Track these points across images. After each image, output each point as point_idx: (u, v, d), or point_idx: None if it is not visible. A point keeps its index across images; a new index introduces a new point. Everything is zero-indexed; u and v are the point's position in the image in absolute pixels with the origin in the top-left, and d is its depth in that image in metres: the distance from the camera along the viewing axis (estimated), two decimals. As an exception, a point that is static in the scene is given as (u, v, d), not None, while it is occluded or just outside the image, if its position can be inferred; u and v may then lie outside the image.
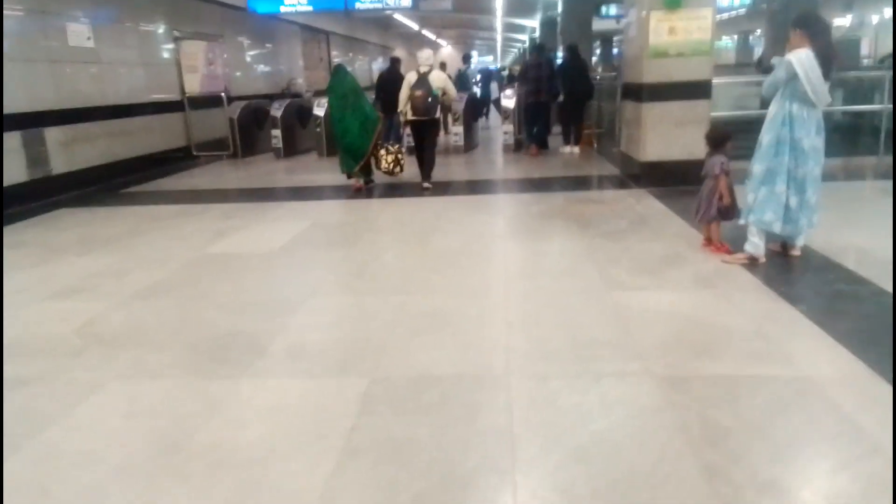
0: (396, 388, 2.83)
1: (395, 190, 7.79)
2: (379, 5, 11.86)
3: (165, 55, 10.89)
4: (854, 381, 2.71)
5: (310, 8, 11.95)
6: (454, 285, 4.23)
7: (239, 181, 9.31)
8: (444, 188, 7.79)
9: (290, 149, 11.36)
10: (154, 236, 5.90)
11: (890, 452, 2.21)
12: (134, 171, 9.51)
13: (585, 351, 3.12)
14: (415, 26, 28.89)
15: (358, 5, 11.78)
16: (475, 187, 7.98)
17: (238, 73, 13.61)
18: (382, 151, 7.65)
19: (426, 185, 7.68)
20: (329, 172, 9.05)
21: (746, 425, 2.41)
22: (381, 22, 26.61)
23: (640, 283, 4.10)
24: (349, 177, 7.74)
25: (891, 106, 7.20)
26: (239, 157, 11.34)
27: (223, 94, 11.68)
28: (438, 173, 8.15)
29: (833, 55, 4.11)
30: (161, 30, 10.77)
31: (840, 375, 2.77)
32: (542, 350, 3.17)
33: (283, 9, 11.91)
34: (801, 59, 3.98)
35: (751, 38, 32.41)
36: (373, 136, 7.51)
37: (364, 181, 7.77)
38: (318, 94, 14.20)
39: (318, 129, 10.98)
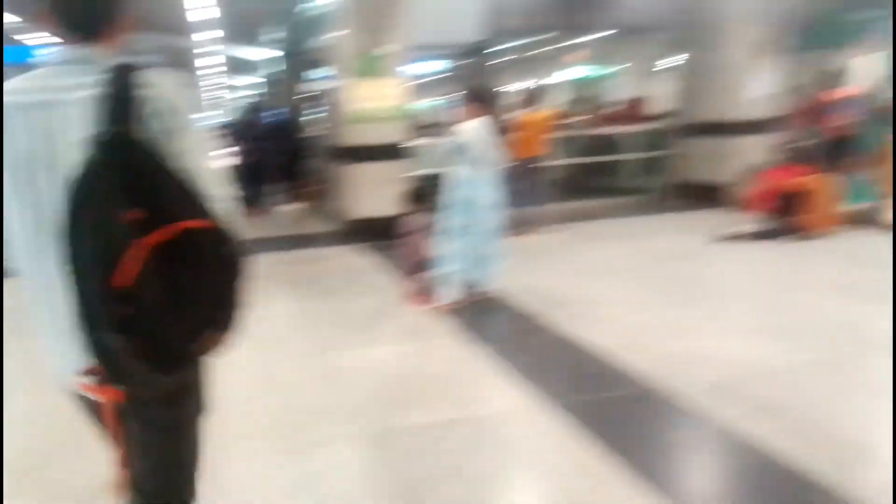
0: (67, 500, 2.54)
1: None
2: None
3: None
4: (530, 411, 3.11)
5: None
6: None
7: None
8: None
9: None
10: None
11: (566, 474, 2.57)
12: None
13: (298, 420, 3.13)
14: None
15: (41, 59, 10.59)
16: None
17: None
18: None
19: None
20: None
21: (445, 470, 2.61)
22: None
23: (353, 341, 4.24)
24: None
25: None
26: None
27: None
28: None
29: (498, 126, 4.78)
30: None
31: (523, 408, 3.15)
32: (253, 427, 3.09)
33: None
34: (475, 127, 4.55)
35: (450, 98, 35.95)
36: None
37: None
38: None
39: None
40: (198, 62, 21.91)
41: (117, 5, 1.43)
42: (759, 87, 8.32)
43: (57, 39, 1.40)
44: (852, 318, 4.18)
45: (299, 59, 16.71)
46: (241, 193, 10.32)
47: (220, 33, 15.47)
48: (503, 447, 2.80)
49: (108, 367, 1.25)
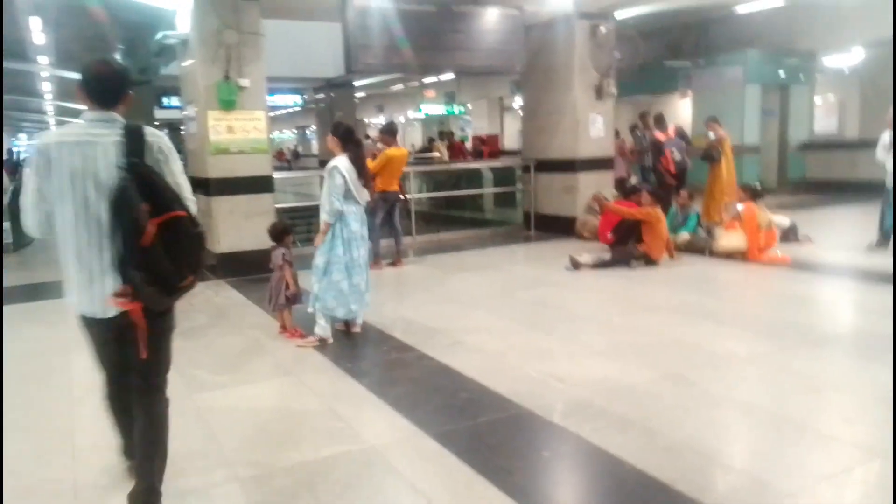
0: None
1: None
2: None
3: None
4: (407, 442, 3.21)
5: None
6: (17, 417, 3.60)
7: None
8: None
9: None
10: None
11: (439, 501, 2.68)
12: None
13: (167, 469, 3.01)
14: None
15: None
16: (28, 293, 6.94)
17: None
18: None
19: None
20: None
21: (323, 509, 2.64)
22: None
23: (223, 381, 4.13)
24: None
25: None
26: None
27: None
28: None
29: (363, 161, 4.90)
30: None
31: (396, 440, 3.24)
32: (114, 481, 2.93)
33: None
34: (343, 163, 4.63)
35: (308, 131, 35.77)
36: None
37: None
38: None
39: None
40: (38, 86, 20.26)
41: (126, 88, 2.44)
42: (597, 127, 9.13)
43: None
44: (691, 337, 4.69)
45: (147, 86, 15.96)
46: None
47: (52, 58, 14.40)
48: (381, 482, 2.87)
49: (139, 290, 2.27)
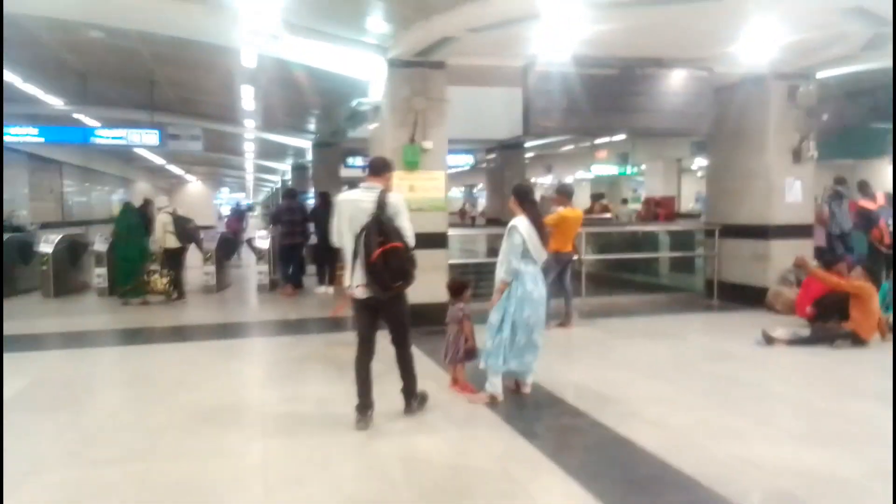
0: None
1: (136, 336, 7.16)
2: (122, 141, 11.37)
3: None
4: (585, 512, 3.05)
5: (41, 139, 11.01)
6: (205, 446, 3.95)
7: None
8: (192, 332, 7.39)
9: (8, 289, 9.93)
10: None
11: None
12: None
13: (347, 510, 3.10)
14: (160, 161, 28.04)
15: (95, 140, 11.15)
16: (228, 331, 7.68)
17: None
18: (155, 276, 9.23)
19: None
20: (53, 317, 8.07)
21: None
22: (123, 154, 25.58)
23: (399, 429, 4.22)
24: (125, 303, 9.16)
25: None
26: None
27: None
28: (184, 316, 7.74)
29: (541, 221, 4.89)
30: None
31: (574, 509, 3.09)
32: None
33: (6, 138, 10.78)
34: (523, 223, 4.67)
35: (474, 190, 36.84)
36: (143, 267, 9.30)
37: (143, 299, 9.19)
38: (46, 226, 12.90)
39: (45, 268, 9.84)
40: (240, 146, 22.88)
41: (388, 168, 4.43)
42: (794, 192, 8.44)
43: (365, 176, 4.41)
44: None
45: (336, 147, 17.41)
46: (278, 274, 10.57)
47: (256, 122, 16.15)
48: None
49: (369, 285, 4.10)
